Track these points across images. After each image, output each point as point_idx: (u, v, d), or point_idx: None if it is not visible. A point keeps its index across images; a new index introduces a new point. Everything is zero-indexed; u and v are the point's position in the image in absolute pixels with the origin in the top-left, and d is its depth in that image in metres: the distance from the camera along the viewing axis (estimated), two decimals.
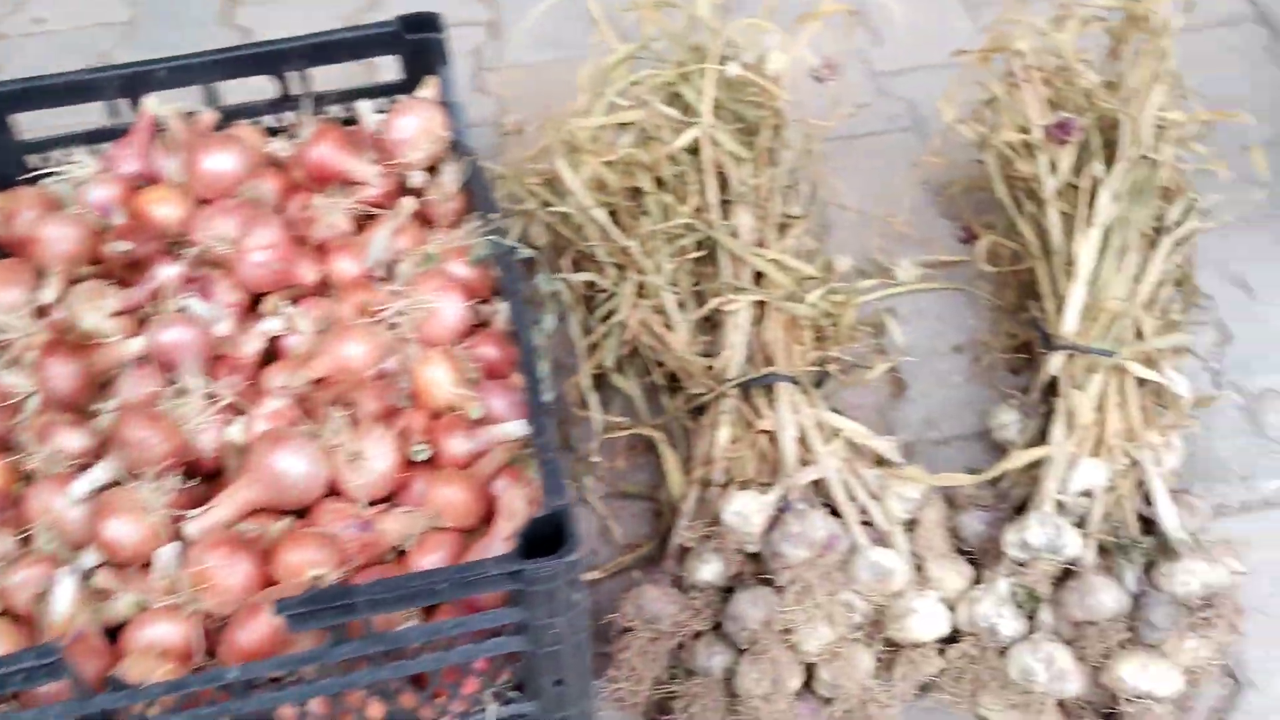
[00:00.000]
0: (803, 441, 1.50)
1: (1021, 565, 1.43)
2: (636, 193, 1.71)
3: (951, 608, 1.45)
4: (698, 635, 1.43)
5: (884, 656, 1.44)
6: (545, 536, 1.05)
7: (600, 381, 1.73)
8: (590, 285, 1.71)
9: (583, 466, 1.68)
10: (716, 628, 1.43)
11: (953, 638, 1.44)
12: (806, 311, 1.58)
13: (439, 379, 1.30)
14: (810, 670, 1.41)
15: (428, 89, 1.56)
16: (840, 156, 2.20)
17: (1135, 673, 1.36)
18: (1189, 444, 1.71)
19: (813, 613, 1.34)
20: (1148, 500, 1.48)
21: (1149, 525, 1.47)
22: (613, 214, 1.73)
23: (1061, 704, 1.42)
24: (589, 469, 1.69)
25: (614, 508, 1.69)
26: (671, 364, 1.62)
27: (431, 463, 1.29)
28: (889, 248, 2.00)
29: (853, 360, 1.80)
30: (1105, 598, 1.36)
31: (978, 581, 1.47)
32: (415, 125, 1.49)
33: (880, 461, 1.56)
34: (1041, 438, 1.55)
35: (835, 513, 1.45)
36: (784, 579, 1.36)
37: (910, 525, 1.47)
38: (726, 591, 1.44)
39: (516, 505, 1.17)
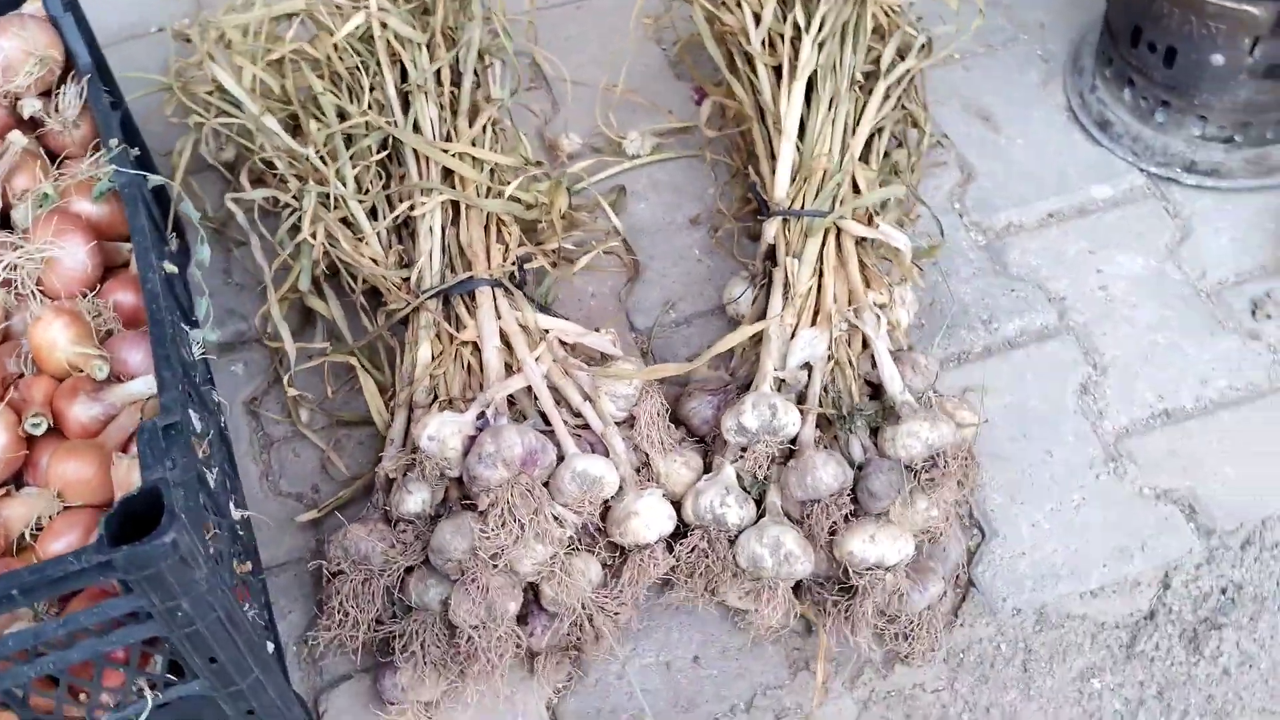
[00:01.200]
0: (510, 349, 1.39)
1: (744, 450, 1.36)
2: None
3: (679, 502, 1.38)
4: (411, 570, 1.34)
5: (614, 562, 1.37)
6: (142, 516, 0.93)
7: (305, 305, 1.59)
8: (276, 201, 1.56)
9: (294, 400, 1.56)
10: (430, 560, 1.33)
11: (686, 532, 1.37)
12: (501, 207, 1.46)
13: (55, 338, 1.15)
14: (536, 587, 1.34)
15: (31, 2, 1.36)
16: (570, 24, 2.05)
17: (863, 545, 1.31)
18: (931, 292, 1.65)
19: (518, 534, 1.25)
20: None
21: (879, 390, 1.41)
22: (294, 120, 1.57)
23: (801, 584, 1.37)
24: (303, 401, 1.56)
25: (337, 438, 1.57)
26: (370, 279, 1.49)
27: (59, 434, 1.15)
28: (623, 119, 1.88)
29: (582, 249, 1.70)
30: (824, 475, 1.30)
31: (709, 470, 1.40)
32: (15, 46, 1.30)
33: (605, 358, 1.46)
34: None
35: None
36: (483, 503, 1.26)
37: (630, 423, 1.39)
38: (438, 520, 1.34)
39: (134, 479, 1.04)
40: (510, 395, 1.38)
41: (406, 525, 1.34)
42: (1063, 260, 1.70)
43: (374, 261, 1.46)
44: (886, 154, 1.56)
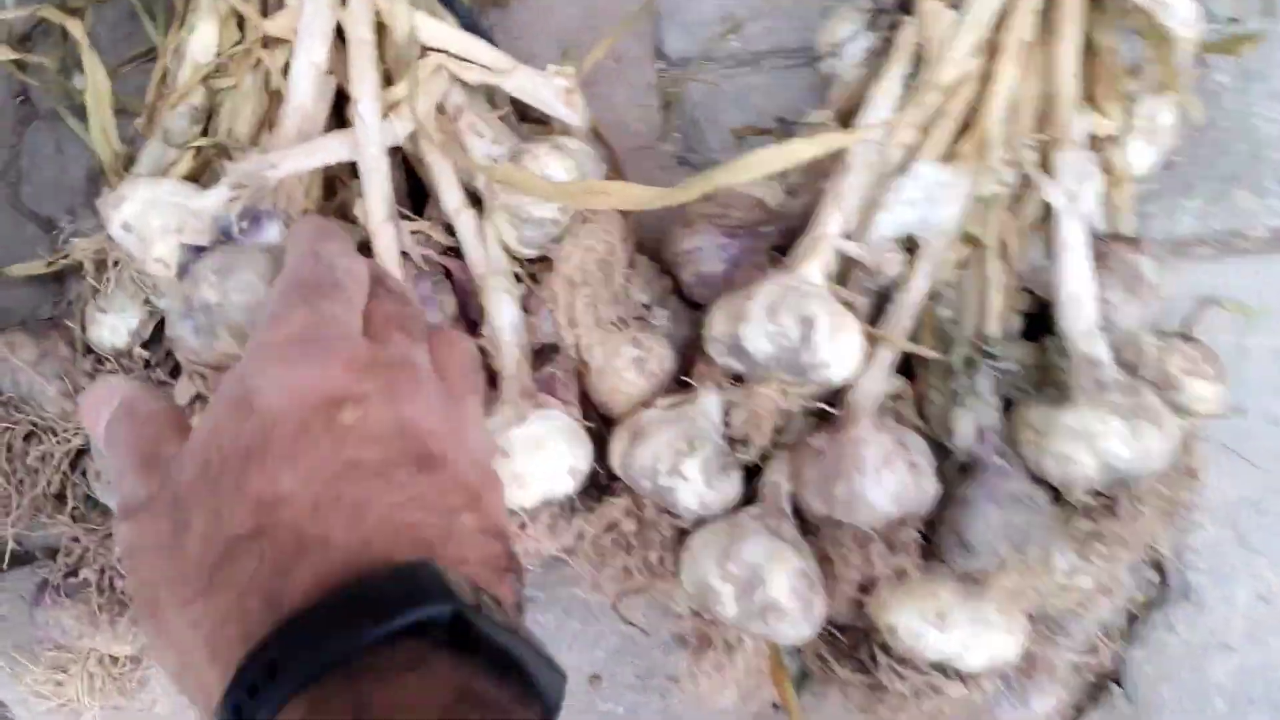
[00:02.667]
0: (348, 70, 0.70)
1: (738, 381, 0.69)
2: None
3: (613, 425, 0.73)
4: None
5: None
6: None
7: None
8: None
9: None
10: None
11: (608, 483, 0.73)
12: None
13: None
14: None
15: None
16: None
17: (921, 625, 0.66)
18: (1210, 105, 0.88)
19: None
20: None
21: (1044, 318, 0.70)
22: None
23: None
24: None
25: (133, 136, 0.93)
26: None
27: None
28: None
29: None
30: (872, 489, 0.63)
31: (685, 381, 0.74)
32: None
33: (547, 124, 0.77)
34: None
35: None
36: (185, 393, 0.63)
37: (541, 263, 0.72)
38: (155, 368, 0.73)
39: None
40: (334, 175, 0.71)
41: (100, 361, 0.73)
42: None
43: None
44: None
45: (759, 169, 0.62)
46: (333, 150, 0.67)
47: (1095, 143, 0.69)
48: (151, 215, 0.64)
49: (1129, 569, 0.76)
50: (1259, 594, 0.79)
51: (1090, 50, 0.69)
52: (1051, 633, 0.73)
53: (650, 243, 0.80)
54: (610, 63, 0.92)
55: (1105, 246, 0.68)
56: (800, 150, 0.62)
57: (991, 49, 0.67)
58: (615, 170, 0.80)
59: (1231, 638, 0.78)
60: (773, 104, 0.90)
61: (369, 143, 0.67)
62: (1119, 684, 0.78)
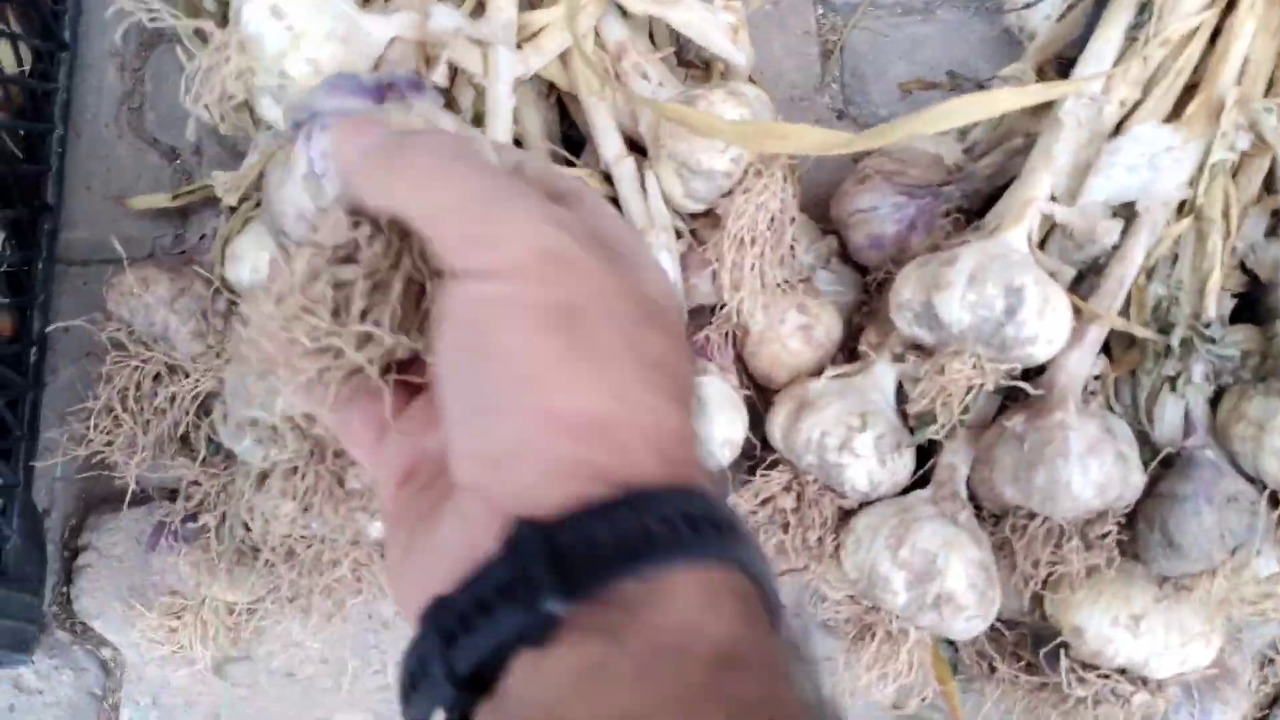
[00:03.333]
0: None
1: (919, 350, 0.63)
2: None
3: (771, 398, 0.68)
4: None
5: None
6: None
7: None
8: None
9: None
10: None
11: (762, 454, 0.69)
12: None
13: None
14: None
15: None
16: None
17: (1109, 628, 0.61)
18: None
19: None
20: None
21: (1265, 301, 0.64)
22: None
23: None
24: None
25: None
26: None
27: None
28: None
29: None
30: (1077, 480, 0.57)
31: (852, 353, 0.69)
32: None
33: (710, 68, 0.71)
34: None
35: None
36: None
37: (703, 218, 0.67)
38: None
39: None
40: None
41: (236, 302, 0.69)
42: None
43: None
44: None
45: (955, 118, 0.57)
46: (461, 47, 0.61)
47: None
48: (316, 11, 0.58)
49: None
50: None
51: None
52: (1238, 639, 0.68)
53: (813, 200, 0.75)
54: (768, 7, 0.86)
55: None
56: (1002, 100, 0.57)
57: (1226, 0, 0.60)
58: None
59: None
60: (944, 57, 0.83)
61: (496, 77, 0.61)
62: None
